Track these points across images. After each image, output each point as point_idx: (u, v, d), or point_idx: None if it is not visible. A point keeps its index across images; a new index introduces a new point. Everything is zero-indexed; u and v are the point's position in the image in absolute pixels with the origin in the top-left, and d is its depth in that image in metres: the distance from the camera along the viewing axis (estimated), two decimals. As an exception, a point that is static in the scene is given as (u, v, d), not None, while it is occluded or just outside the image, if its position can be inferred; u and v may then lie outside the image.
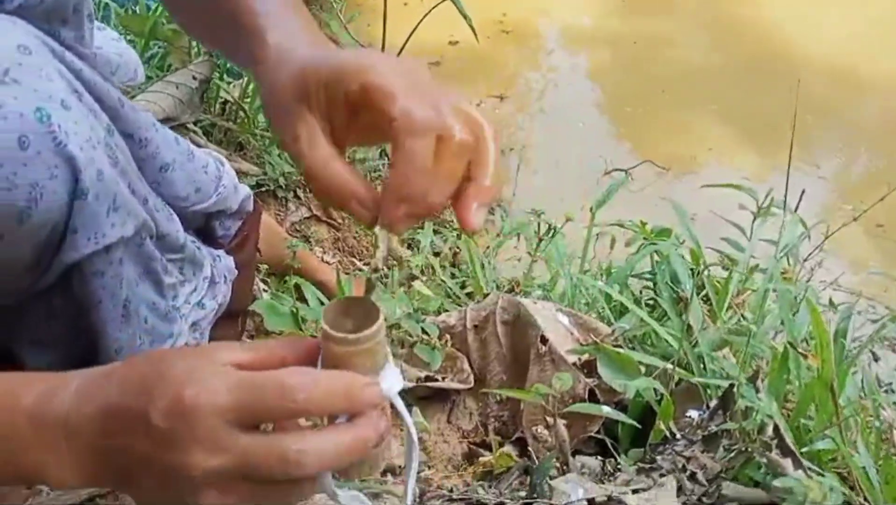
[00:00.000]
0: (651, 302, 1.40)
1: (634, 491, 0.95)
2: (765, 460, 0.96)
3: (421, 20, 1.95)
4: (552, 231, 1.65)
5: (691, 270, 1.36)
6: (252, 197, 1.09)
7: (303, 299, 1.32)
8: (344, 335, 0.56)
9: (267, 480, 0.55)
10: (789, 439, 0.96)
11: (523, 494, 0.97)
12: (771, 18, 3.82)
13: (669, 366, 1.11)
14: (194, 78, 1.68)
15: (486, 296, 1.42)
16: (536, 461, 1.04)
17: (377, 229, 0.57)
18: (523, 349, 1.21)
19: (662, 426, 1.06)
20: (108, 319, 0.79)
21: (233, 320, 1.11)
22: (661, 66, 3.57)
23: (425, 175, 0.55)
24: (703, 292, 1.35)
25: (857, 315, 1.32)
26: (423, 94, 0.56)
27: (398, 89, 0.55)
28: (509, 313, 1.26)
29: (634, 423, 1.09)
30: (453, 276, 1.75)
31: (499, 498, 0.96)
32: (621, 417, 1.09)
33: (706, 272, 1.37)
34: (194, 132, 1.71)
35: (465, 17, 1.80)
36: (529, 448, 1.11)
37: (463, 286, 1.67)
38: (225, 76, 1.87)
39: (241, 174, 1.47)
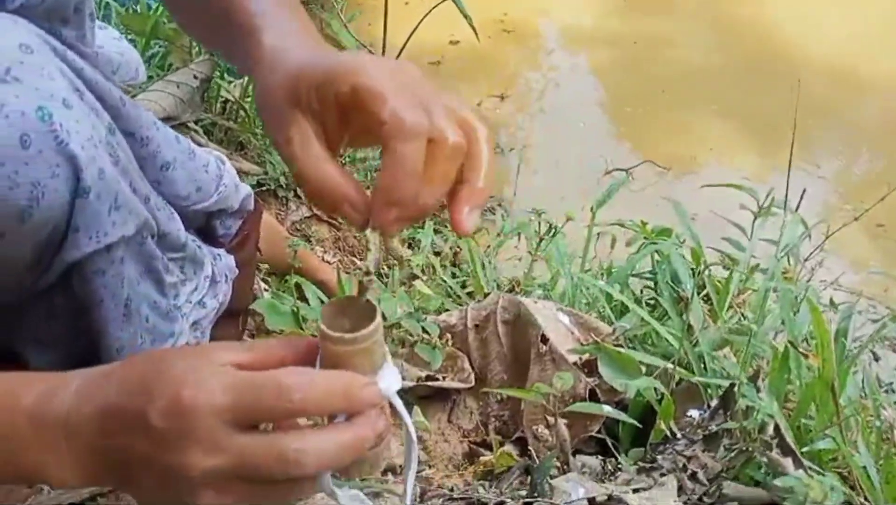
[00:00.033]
0: (652, 301, 1.40)
1: (635, 490, 0.95)
2: (765, 460, 0.96)
3: (422, 20, 1.96)
4: (553, 231, 1.65)
5: (692, 269, 1.36)
6: (253, 196, 1.09)
7: (303, 299, 1.33)
8: (341, 335, 0.56)
9: (265, 480, 0.55)
10: (790, 439, 0.96)
11: (524, 493, 0.97)
12: (771, 18, 3.82)
13: (670, 365, 1.11)
14: (195, 77, 1.68)
15: (486, 295, 1.42)
16: (537, 461, 1.04)
17: (368, 232, 0.57)
18: (524, 349, 1.21)
19: (663, 426, 1.06)
20: (109, 318, 0.79)
21: (234, 319, 1.11)
22: (662, 65, 3.57)
23: (415, 178, 0.54)
24: (704, 292, 1.35)
25: (858, 315, 1.32)
26: (415, 97, 0.56)
27: (388, 92, 0.55)
28: (510, 313, 1.26)
29: (635, 422, 1.09)
30: (454, 275, 1.75)
31: (499, 497, 0.96)
32: (622, 416, 1.09)
33: (707, 272, 1.37)
34: (195, 131, 1.71)
35: (465, 16, 1.80)
36: (530, 447, 1.11)
37: (464, 286, 1.67)
38: (226, 75, 1.88)
39: (241, 173, 1.47)
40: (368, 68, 0.56)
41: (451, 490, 1.01)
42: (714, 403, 1.07)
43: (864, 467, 0.96)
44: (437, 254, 1.81)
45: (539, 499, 0.94)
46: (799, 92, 2.00)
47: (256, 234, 1.12)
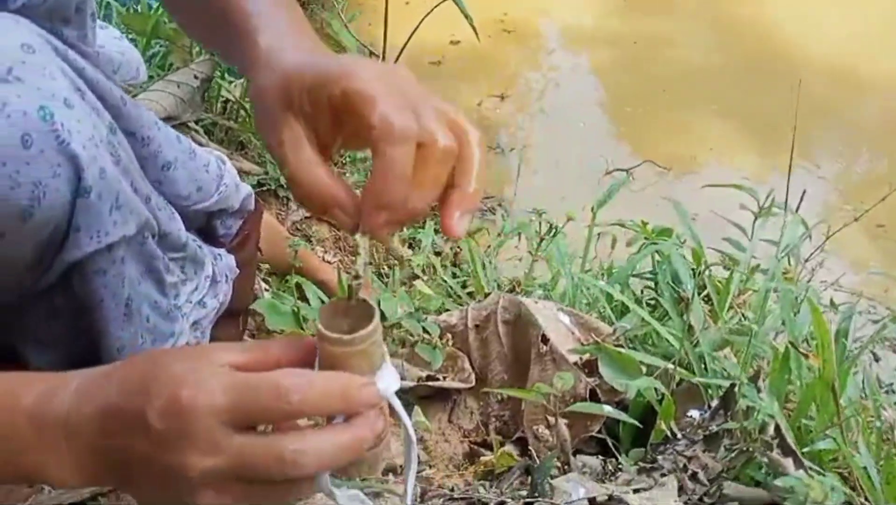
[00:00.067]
0: (652, 302, 1.40)
1: (635, 491, 0.95)
2: (766, 460, 0.96)
3: (422, 20, 1.96)
4: (553, 231, 1.65)
5: (692, 269, 1.36)
6: (253, 196, 1.09)
7: (304, 299, 1.33)
8: (339, 336, 0.56)
9: (264, 481, 0.55)
10: (790, 439, 0.96)
11: (524, 493, 0.97)
12: (771, 18, 3.82)
13: (671, 366, 1.11)
14: (196, 77, 1.68)
15: (487, 295, 1.42)
16: (537, 461, 1.04)
17: (358, 236, 0.57)
18: (524, 349, 1.21)
19: (663, 426, 1.06)
20: (110, 317, 0.79)
21: (234, 319, 1.11)
22: (662, 65, 3.57)
23: (404, 183, 0.54)
24: (705, 292, 1.35)
25: (858, 315, 1.32)
26: (405, 101, 0.55)
27: (378, 96, 0.55)
28: (510, 313, 1.26)
29: (636, 422, 1.09)
30: (454, 275, 1.75)
31: (500, 497, 0.96)
32: (622, 416, 1.09)
33: (707, 272, 1.37)
34: (196, 131, 1.71)
35: (466, 16, 1.80)
36: (530, 447, 1.11)
37: (464, 286, 1.67)
38: (226, 75, 1.88)
39: (242, 173, 1.47)
40: (359, 72, 0.56)
41: (452, 490, 1.01)
42: (714, 403, 1.07)
43: (865, 468, 0.96)
44: (437, 254, 1.81)
45: (539, 499, 0.94)
46: (799, 92, 2.00)
47: (257, 233, 1.12)
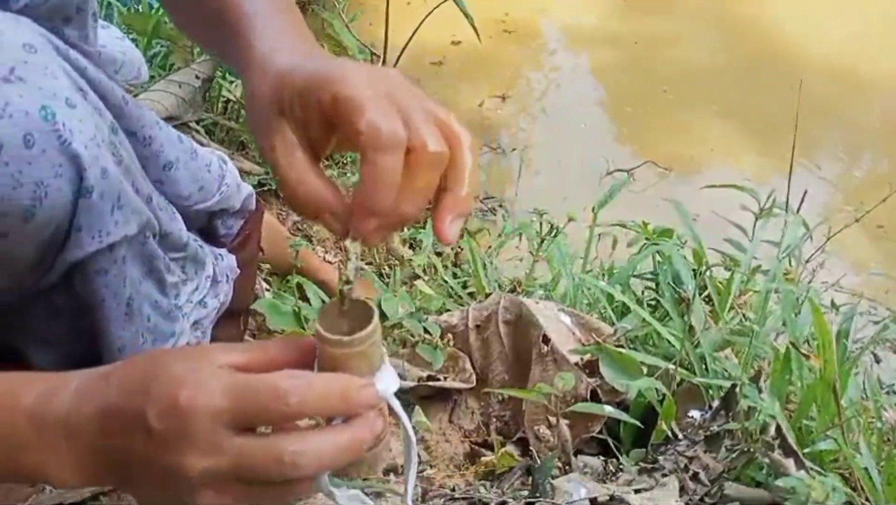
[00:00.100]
0: (653, 302, 1.40)
1: (637, 491, 0.95)
2: (767, 461, 0.96)
3: (423, 20, 1.96)
4: (554, 231, 1.65)
5: (693, 270, 1.36)
6: (254, 196, 1.09)
7: (305, 299, 1.33)
8: (338, 337, 0.56)
9: (263, 481, 0.55)
10: (791, 440, 0.96)
11: (525, 493, 0.97)
12: (772, 18, 3.82)
13: (671, 366, 1.11)
14: (197, 77, 1.68)
15: (488, 295, 1.42)
16: (538, 461, 1.04)
17: (348, 241, 0.56)
18: (525, 349, 1.21)
19: (664, 426, 1.06)
20: (111, 317, 0.79)
21: (235, 319, 1.11)
22: (663, 66, 3.57)
23: (392, 189, 0.54)
24: (706, 293, 1.35)
25: (859, 316, 1.32)
26: (395, 106, 0.55)
27: (367, 101, 0.54)
28: (511, 313, 1.26)
29: (636, 423, 1.09)
30: (455, 275, 1.75)
31: (501, 497, 0.96)
32: (623, 416, 1.09)
33: (708, 273, 1.37)
34: (197, 131, 1.71)
35: (467, 16, 1.80)
36: (531, 448, 1.11)
37: (465, 286, 1.67)
38: (227, 75, 1.88)
39: (243, 173, 1.47)
40: (349, 76, 0.55)
41: (453, 490, 1.01)
42: (715, 403, 1.07)
43: (866, 469, 0.97)
44: (438, 254, 1.81)
45: (541, 499, 0.94)
46: (800, 92, 2.00)
47: (258, 233, 1.12)
